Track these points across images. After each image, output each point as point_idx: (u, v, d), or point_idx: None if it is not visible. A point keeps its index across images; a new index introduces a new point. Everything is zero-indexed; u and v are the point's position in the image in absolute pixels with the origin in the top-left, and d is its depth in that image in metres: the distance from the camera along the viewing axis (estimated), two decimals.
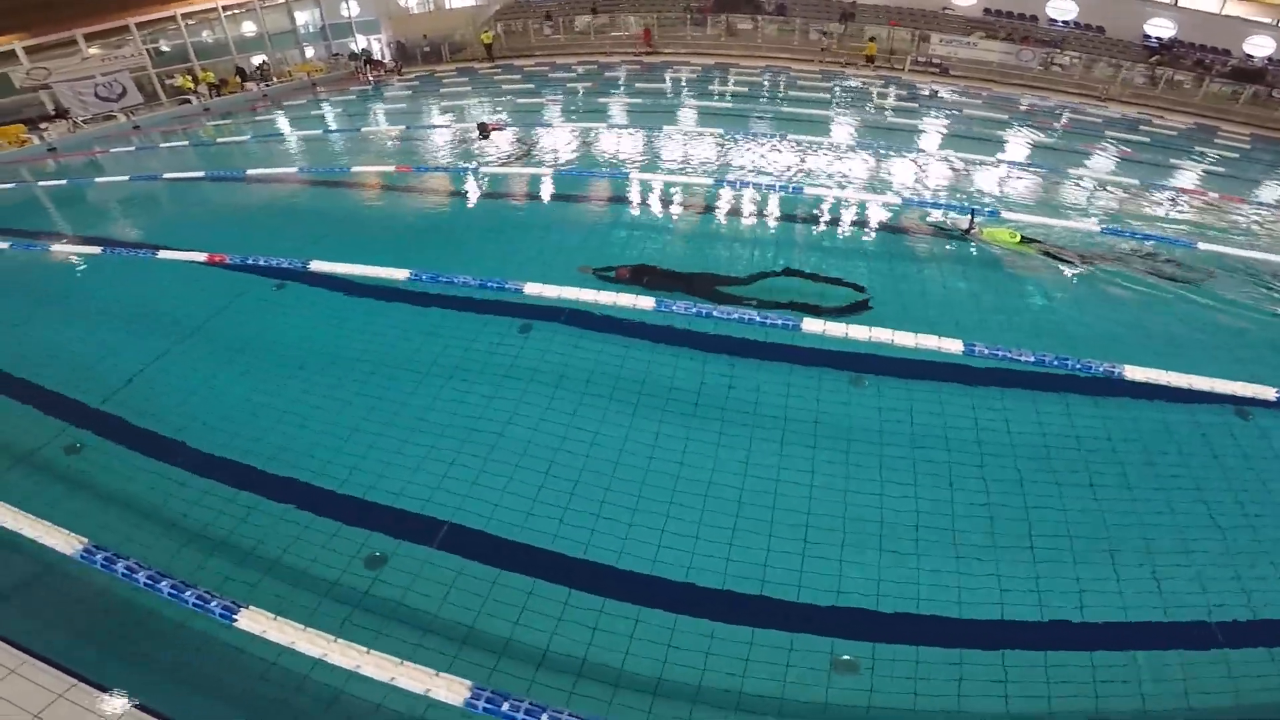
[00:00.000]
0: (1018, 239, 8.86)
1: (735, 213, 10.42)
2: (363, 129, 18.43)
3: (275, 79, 26.30)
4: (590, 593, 4.42)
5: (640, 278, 7.43)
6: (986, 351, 6.12)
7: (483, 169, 12.62)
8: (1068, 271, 8.44)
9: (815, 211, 10.31)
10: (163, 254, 8.56)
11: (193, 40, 25.15)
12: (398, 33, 29.04)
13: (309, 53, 29.09)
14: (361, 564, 4.66)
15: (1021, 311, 7.58)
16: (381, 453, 5.50)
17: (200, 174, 13.60)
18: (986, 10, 27.70)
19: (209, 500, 5.15)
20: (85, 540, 4.32)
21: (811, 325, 6.48)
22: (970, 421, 5.72)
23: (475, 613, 4.32)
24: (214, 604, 4.00)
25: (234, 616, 3.94)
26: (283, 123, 20.42)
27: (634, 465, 5.33)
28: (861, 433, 5.65)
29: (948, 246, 9.11)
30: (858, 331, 6.35)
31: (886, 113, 19.14)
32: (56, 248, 9.74)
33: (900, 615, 4.32)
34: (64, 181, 15.10)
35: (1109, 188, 13.07)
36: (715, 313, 6.67)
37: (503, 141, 14.56)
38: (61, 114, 20.50)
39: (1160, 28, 26.19)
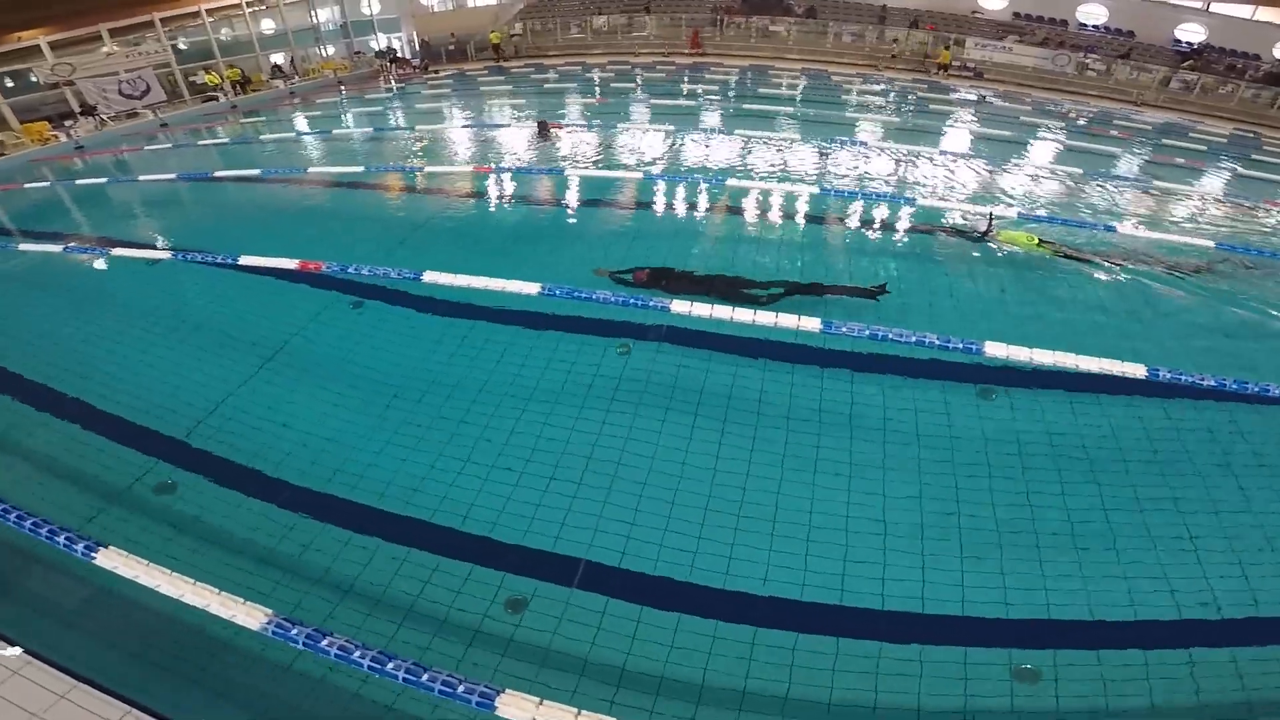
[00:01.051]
0: (1035, 241, 8.84)
1: (760, 214, 10.41)
2: (417, 126, 18.02)
3: (298, 76, 25.99)
4: (739, 623, 4.28)
5: (659, 281, 7.31)
6: (1169, 376, 5.93)
7: (570, 169, 12.32)
8: (1088, 272, 8.41)
9: (844, 214, 10.37)
10: (245, 259, 8.09)
11: (215, 37, 24.82)
12: (422, 31, 28.68)
13: (328, 51, 28.74)
14: (503, 608, 4.44)
15: (1046, 314, 7.49)
16: (499, 486, 5.25)
17: (255, 172, 13.26)
18: (1016, 14, 27.46)
19: (322, 543, 4.87)
20: (271, 613, 3.92)
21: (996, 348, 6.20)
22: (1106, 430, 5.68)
23: (625, 654, 4.15)
24: (357, 653, 3.68)
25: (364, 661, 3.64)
26: (326, 120, 20.10)
27: (764, 490, 5.16)
28: (999, 444, 5.54)
29: (967, 249, 9.06)
30: (1018, 352, 6.13)
31: (934, 116, 18.96)
32: (119, 253, 9.34)
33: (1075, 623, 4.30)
34: (104, 180, 14.66)
35: (1198, 201, 12.87)
36: (890, 335, 6.32)
37: (563, 139, 14.31)
38: (88, 111, 20.17)
39: (1191, 33, 25.98)
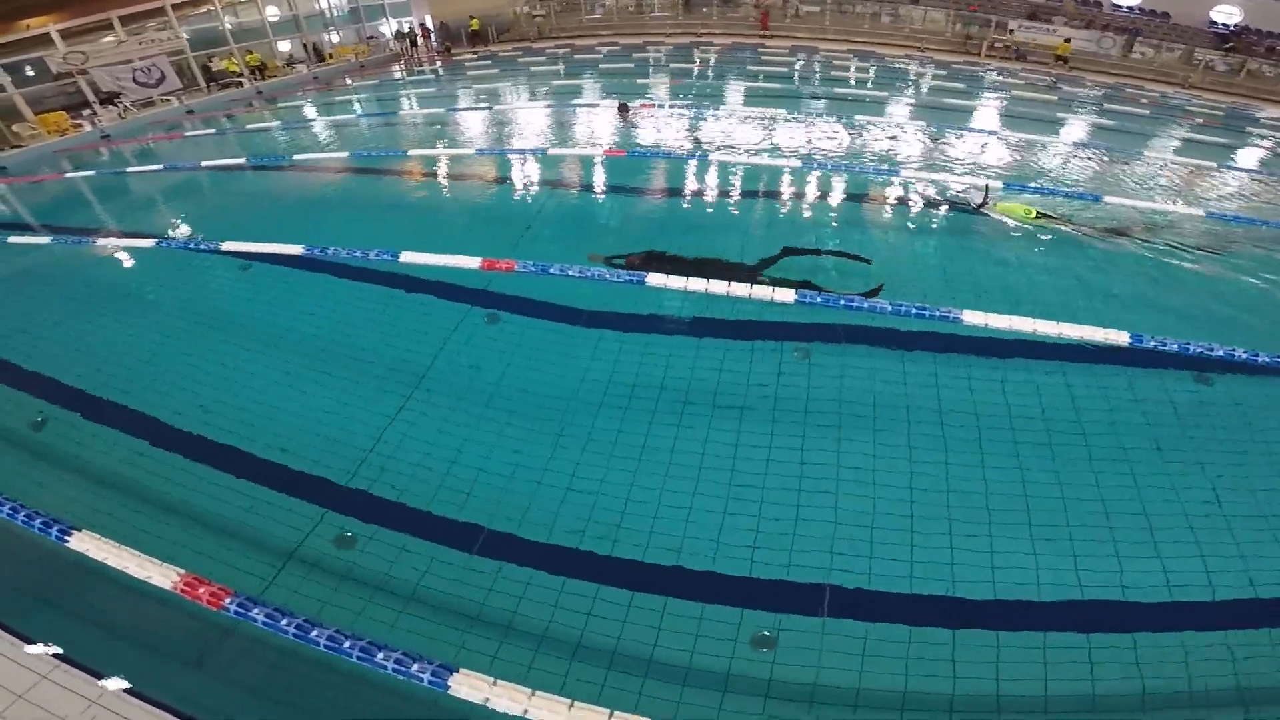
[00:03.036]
0: (1033, 213, 8.82)
1: (776, 194, 10.24)
2: (495, 108, 17.23)
3: (312, 62, 25.11)
4: (1023, 630, 4.06)
5: (651, 265, 7.17)
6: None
7: (712, 156, 11.76)
8: (1087, 244, 8.35)
9: (875, 194, 10.23)
10: (407, 257, 7.38)
11: (222, 24, 23.85)
12: (439, 13, 27.78)
13: (336, 37, 27.84)
14: (748, 646, 4.04)
15: (1053, 284, 7.42)
16: (706, 515, 4.76)
17: (342, 155, 12.50)
18: None
19: (534, 593, 4.36)
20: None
21: None
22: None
23: (904, 676, 3.85)
24: None
25: None
26: (371, 104, 19.37)
27: (1009, 494, 4.83)
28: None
29: (964, 221, 9.01)
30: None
31: (967, 95, 18.55)
32: (214, 254, 8.43)
33: None
34: (159, 168, 13.75)
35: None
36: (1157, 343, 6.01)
37: (647, 121, 13.77)
38: (108, 100, 19.30)
39: (1227, 14, 25.63)
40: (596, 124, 14.64)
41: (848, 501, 4.80)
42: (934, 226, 9.09)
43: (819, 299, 6.38)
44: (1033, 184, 10.52)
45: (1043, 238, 8.55)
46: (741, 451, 5.22)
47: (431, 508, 4.93)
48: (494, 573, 4.46)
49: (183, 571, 4.01)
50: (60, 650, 3.91)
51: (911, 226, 9.11)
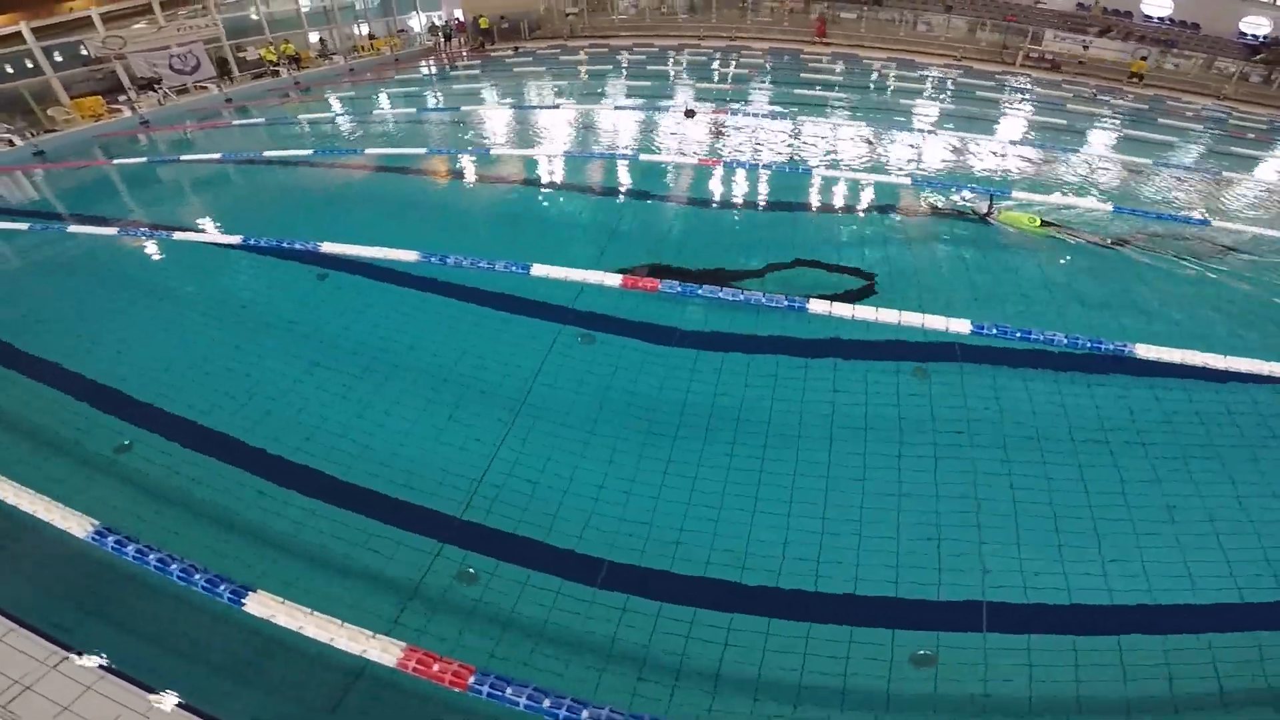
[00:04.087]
0: (1037, 223, 8.95)
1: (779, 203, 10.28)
2: (561, 105, 17.07)
3: (340, 55, 25.04)
4: (1186, 632, 4.17)
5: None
6: None
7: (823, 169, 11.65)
8: (1094, 253, 8.52)
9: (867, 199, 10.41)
10: (539, 270, 7.27)
11: (259, 8, 23.75)
12: (471, 9, 27.67)
13: (365, 30, 27.76)
14: (908, 665, 4.08)
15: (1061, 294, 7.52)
16: (842, 539, 4.74)
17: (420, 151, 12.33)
18: (1079, 4, 27.03)
19: (667, 625, 4.25)
20: None
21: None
22: None
23: (1075, 682, 3.93)
24: None
25: None
26: (428, 99, 19.24)
27: (1146, 511, 4.89)
28: None
29: (968, 230, 9.12)
30: None
31: (994, 104, 18.65)
32: (329, 250, 7.95)
33: None
34: (215, 157, 13.50)
35: None
36: None
37: (713, 125, 13.80)
38: (147, 85, 19.22)
39: (1256, 25, 25.70)
40: (667, 128, 14.41)
41: (993, 519, 4.84)
42: (939, 236, 9.10)
43: (994, 330, 6.27)
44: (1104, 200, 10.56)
45: (1048, 246, 8.72)
46: (871, 473, 5.23)
47: (551, 539, 4.78)
48: (621, 606, 4.34)
49: (406, 646, 3.61)
50: (108, 661, 3.77)
51: (917, 236, 9.12)
